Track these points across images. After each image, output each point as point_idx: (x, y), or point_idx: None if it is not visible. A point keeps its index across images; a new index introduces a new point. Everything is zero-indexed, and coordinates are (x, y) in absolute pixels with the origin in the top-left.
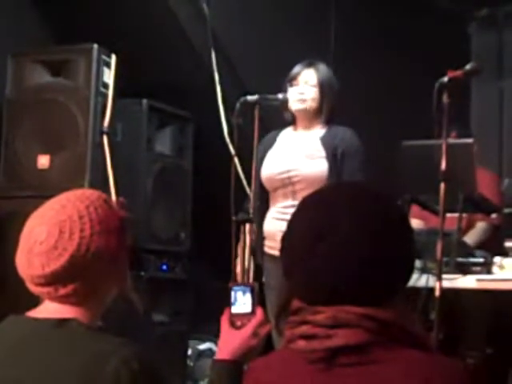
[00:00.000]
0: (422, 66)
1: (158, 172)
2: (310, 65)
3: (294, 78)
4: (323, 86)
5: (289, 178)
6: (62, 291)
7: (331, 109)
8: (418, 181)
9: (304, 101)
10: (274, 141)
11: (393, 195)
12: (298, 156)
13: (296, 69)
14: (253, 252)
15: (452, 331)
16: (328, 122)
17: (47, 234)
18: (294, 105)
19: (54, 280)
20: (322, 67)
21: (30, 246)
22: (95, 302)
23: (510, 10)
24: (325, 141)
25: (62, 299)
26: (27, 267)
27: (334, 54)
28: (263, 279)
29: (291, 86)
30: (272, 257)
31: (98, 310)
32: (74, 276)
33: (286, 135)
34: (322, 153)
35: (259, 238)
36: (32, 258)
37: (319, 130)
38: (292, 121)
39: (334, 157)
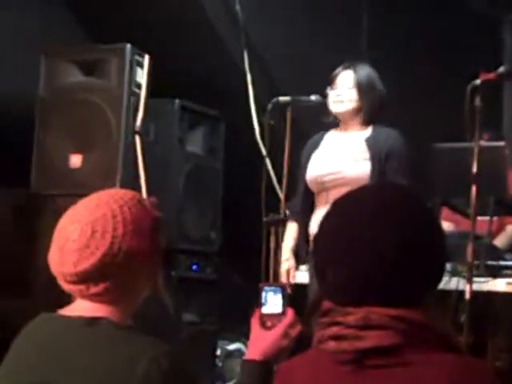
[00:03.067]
0: (454, 69)
1: (189, 172)
2: (348, 67)
3: (333, 80)
4: (361, 87)
5: (334, 180)
6: (94, 289)
7: (373, 109)
8: (450, 183)
9: (341, 102)
10: (318, 143)
11: (424, 198)
12: (342, 158)
13: (335, 71)
14: (295, 253)
15: (482, 334)
16: (370, 123)
17: (80, 232)
18: (333, 107)
19: (85, 278)
20: (361, 68)
21: (63, 244)
22: (127, 301)
23: None
24: (370, 143)
25: (94, 297)
26: (59, 265)
27: (367, 55)
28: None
29: (331, 88)
30: None
31: (129, 309)
32: (106, 275)
33: (331, 137)
34: (367, 155)
35: (303, 239)
36: (64, 255)
37: (364, 132)
38: (336, 123)
39: (378, 158)
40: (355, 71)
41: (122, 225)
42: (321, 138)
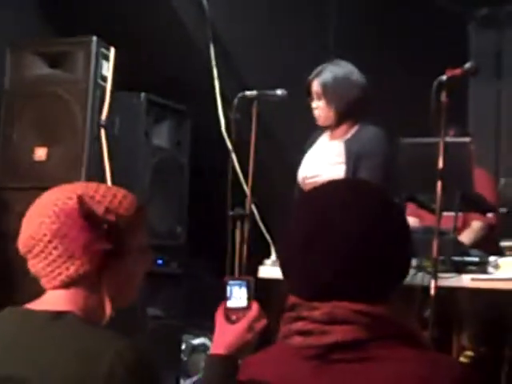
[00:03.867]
0: (420, 65)
1: (155, 166)
2: (316, 75)
3: (308, 92)
4: (326, 93)
5: (313, 183)
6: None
7: (343, 109)
8: (415, 179)
9: (319, 116)
10: (314, 142)
11: (390, 193)
12: (321, 162)
13: (308, 79)
14: None
15: (446, 330)
16: (353, 121)
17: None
18: (318, 122)
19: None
20: (327, 71)
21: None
22: (93, 294)
23: (509, 9)
24: (346, 145)
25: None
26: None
27: (333, 51)
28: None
29: (310, 100)
30: None
31: (98, 303)
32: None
33: (322, 141)
34: (343, 158)
35: None
36: (25, 225)
37: (348, 134)
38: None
39: (352, 160)
40: (320, 77)
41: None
42: (317, 138)
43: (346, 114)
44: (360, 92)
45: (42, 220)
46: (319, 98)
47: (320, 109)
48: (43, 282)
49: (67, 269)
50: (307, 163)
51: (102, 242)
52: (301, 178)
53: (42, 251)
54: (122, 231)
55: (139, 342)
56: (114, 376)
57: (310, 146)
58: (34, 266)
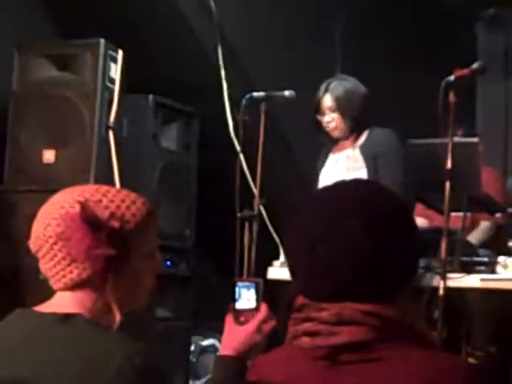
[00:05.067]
0: (428, 65)
1: (163, 168)
2: (325, 90)
3: (317, 106)
4: (340, 106)
5: None
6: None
7: (359, 119)
8: (423, 179)
9: (335, 129)
10: (326, 158)
11: (398, 193)
12: (342, 170)
13: (316, 97)
14: None
15: (455, 330)
16: (364, 130)
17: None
18: (331, 134)
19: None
20: (336, 85)
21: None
22: (101, 297)
23: None
24: (363, 149)
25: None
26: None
27: (340, 52)
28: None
29: (319, 114)
30: None
31: (105, 306)
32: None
33: (334, 155)
34: (362, 163)
35: None
36: (35, 225)
37: (360, 140)
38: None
39: (370, 162)
40: (331, 92)
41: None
42: (327, 154)
43: (358, 123)
44: (366, 101)
45: (49, 221)
46: (333, 112)
47: (335, 121)
48: (51, 282)
49: (71, 272)
50: (326, 176)
51: (105, 247)
52: None
53: (47, 253)
54: (127, 237)
55: (150, 345)
56: (122, 378)
57: (323, 163)
58: (43, 266)
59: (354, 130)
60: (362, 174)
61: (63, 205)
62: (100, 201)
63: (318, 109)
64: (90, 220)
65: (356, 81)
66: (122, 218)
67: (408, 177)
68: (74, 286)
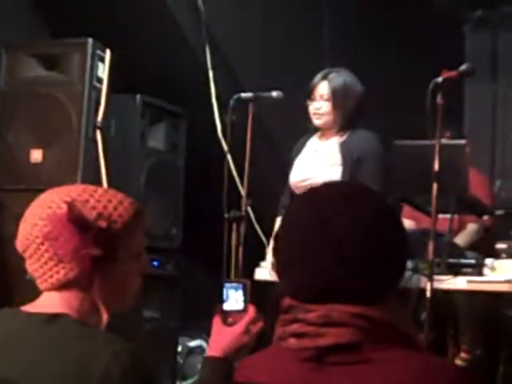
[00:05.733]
0: (416, 66)
1: (150, 167)
2: (323, 77)
3: (311, 92)
4: (336, 97)
5: (308, 185)
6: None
7: (349, 117)
8: (410, 181)
9: (321, 115)
10: (302, 147)
11: (384, 195)
12: (316, 164)
13: (313, 82)
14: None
15: (442, 332)
16: (347, 129)
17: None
18: (314, 120)
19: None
20: (336, 76)
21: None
22: (87, 297)
23: (504, 11)
24: (342, 147)
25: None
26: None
27: (329, 52)
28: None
29: (310, 99)
30: None
31: (93, 306)
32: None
33: (312, 143)
34: (339, 160)
35: None
36: (22, 225)
37: (341, 137)
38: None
39: (349, 163)
40: (330, 81)
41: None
42: (304, 143)
43: (347, 120)
44: (362, 100)
45: (36, 222)
46: (325, 101)
47: (323, 109)
48: (38, 282)
49: (57, 272)
50: (300, 167)
51: (92, 247)
52: (293, 182)
53: (34, 253)
54: (114, 237)
55: (137, 345)
56: (108, 377)
57: (298, 151)
58: (29, 266)
59: (339, 125)
60: (337, 171)
61: (50, 205)
62: (87, 201)
63: (310, 94)
64: (76, 220)
65: (356, 78)
66: (109, 218)
67: (395, 178)
68: (61, 286)
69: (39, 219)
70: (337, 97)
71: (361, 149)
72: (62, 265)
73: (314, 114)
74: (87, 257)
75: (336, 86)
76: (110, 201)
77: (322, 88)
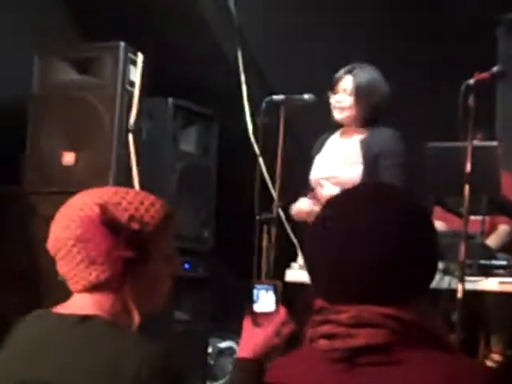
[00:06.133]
0: (449, 68)
1: (182, 171)
2: (348, 71)
3: (334, 85)
4: (359, 93)
5: (330, 183)
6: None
7: (371, 113)
8: (443, 182)
9: (342, 109)
10: (322, 145)
11: (417, 196)
12: (337, 162)
13: (336, 75)
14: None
15: (473, 333)
16: (369, 126)
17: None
18: (334, 114)
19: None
20: (362, 72)
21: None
22: (120, 299)
23: None
24: (362, 145)
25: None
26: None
27: (361, 57)
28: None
29: (332, 93)
30: None
31: (125, 308)
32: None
33: (333, 141)
34: (359, 158)
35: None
36: (54, 227)
37: (361, 134)
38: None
39: (369, 160)
40: (354, 76)
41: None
42: (325, 140)
43: (368, 117)
44: (386, 99)
45: (68, 224)
46: (348, 94)
47: (345, 104)
48: (69, 284)
49: (89, 274)
50: (321, 164)
51: (124, 249)
52: (314, 180)
53: (66, 255)
54: (146, 239)
55: (168, 347)
56: (139, 379)
57: (319, 149)
58: (61, 268)
59: (360, 121)
60: (358, 169)
61: (82, 207)
62: (119, 203)
63: (333, 86)
64: (109, 222)
65: (382, 76)
66: (141, 220)
67: (427, 180)
68: (93, 288)
69: (71, 221)
70: (360, 92)
71: (380, 145)
72: (93, 267)
73: (335, 107)
74: (119, 259)
75: (361, 82)
76: (141, 203)
77: (346, 82)
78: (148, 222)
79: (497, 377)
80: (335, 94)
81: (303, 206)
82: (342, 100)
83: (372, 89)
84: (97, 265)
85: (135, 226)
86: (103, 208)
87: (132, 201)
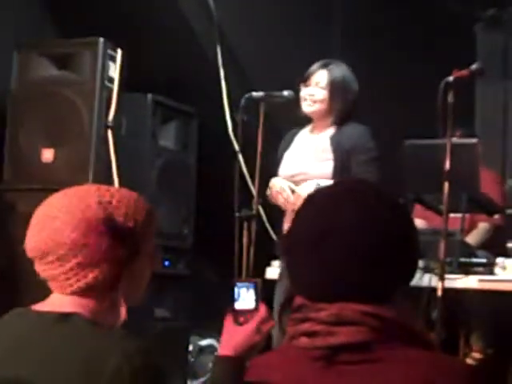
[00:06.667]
0: (427, 65)
1: (161, 167)
2: (323, 66)
3: (307, 78)
4: (333, 88)
5: (300, 180)
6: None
7: (344, 110)
8: (422, 180)
9: (314, 102)
10: (291, 141)
11: (396, 194)
12: (308, 159)
13: (309, 70)
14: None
15: (453, 331)
16: (341, 123)
17: (63, 219)
18: (304, 106)
19: (39, 254)
20: (337, 68)
21: (42, 221)
22: (104, 298)
23: None
24: (333, 141)
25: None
26: (33, 240)
27: (339, 52)
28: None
29: (304, 86)
30: None
31: (106, 307)
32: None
33: (302, 136)
34: (330, 154)
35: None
36: (37, 228)
37: (330, 131)
38: (309, 120)
39: (340, 157)
40: (330, 71)
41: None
42: (293, 136)
43: (339, 113)
44: (356, 97)
45: (59, 226)
46: (321, 88)
47: (318, 97)
48: (54, 286)
49: (85, 276)
50: (290, 161)
51: (121, 248)
52: (284, 176)
53: (58, 258)
54: (138, 236)
55: (148, 344)
56: (120, 377)
57: (288, 145)
58: (47, 271)
59: (333, 117)
60: (329, 166)
61: (74, 210)
62: (110, 202)
63: (306, 79)
64: (110, 223)
65: (353, 75)
66: (133, 217)
67: (406, 178)
68: (87, 289)
69: (63, 223)
70: (335, 87)
71: (352, 141)
72: (90, 268)
73: (306, 99)
74: (116, 258)
75: (336, 77)
76: (129, 200)
77: (320, 76)
78: (138, 219)
79: (477, 374)
80: (307, 86)
81: (277, 182)
82: (315, 93)
83: (346, 85)
84: (94, 266)
85: (130, 224)
86: (105, 209)
87: (120, 199)
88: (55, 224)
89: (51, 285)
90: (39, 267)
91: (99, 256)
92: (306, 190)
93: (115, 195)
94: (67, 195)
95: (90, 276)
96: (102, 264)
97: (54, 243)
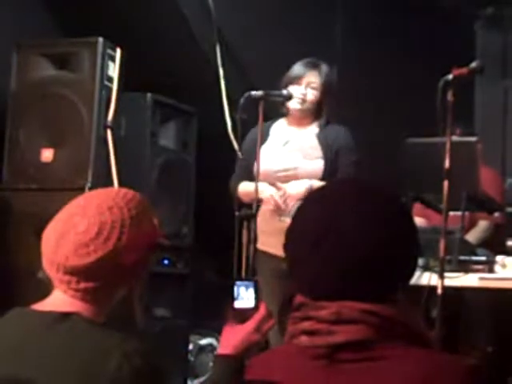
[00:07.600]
0: (427, 64)
1: (161, 166)
2: (314, 66)
3: (299, 78)
4: (325, 89)
5: (286, 176)
6: (83, 285)
7: (330, 110)
8: (422, 178)
9: (304, 101)
10: (267, 134)
11: (396, 193)
12: (296, 155)
13: (300, 69)
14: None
15: (453, 329)
16: (320, 120)
17: (85, 228)
18: (293, 104)
19: (73, 273)
20: (325, 68)
21: (64, 232)
22: (103, 301)
23: None
24: (321, 140)
25: (79, 293)
26: (52, 251)
27: (340, 52)
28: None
29: (297, 84)
30: (263, 253)
31: (104, 308)
32: (92, 276)
33: (280, 130)
34: (319, 152)
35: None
36: (61, 244)
37: (314, 128)
38: (285, 114)
39: (329, 156)
40: (320, 72)
41: (127, 237)
42: (268, 129)
43: (327, 114)
44: (336, 95)
45: (92, 249)
46: (312, 88)
47: (310, 97)
48: (63, 288)
49: (87, 283)
50: (274, 155)
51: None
52: (266, 171)
53: (93, 274)
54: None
55: (148, 344)
56: (120, 377)
57: (263, 139)
58: (63, 282)
59: (315, 115)
60: (319, 164)
61: (107, 228)
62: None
63: (297, 79)
64: (154, 238)
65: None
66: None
67: (406, 176)
68: (89, 292)
69: (93, 245)
70: (327, 89)
71: (339, 142)
72: (118, 287)
73: (298, 99)
74: (145, 268)
75: (327, 79)
76: (139, 202)
77: (312, 76)
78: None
79: (477, 372)
80: (299, 85)
81: (266, 190)
82: (307, 93)
83: (333, 85)
84: (124, 283)
85: (159, 233)
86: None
87: (140, 201)
88: (87, 236)
89: (54, 282)
90: (61, 280)
91: (133, 272)
92: (296, 189)
93: (130, 203)
94: (88, 208)
95: (117, 293)
96: (131, 280)
97: (89, 259)
